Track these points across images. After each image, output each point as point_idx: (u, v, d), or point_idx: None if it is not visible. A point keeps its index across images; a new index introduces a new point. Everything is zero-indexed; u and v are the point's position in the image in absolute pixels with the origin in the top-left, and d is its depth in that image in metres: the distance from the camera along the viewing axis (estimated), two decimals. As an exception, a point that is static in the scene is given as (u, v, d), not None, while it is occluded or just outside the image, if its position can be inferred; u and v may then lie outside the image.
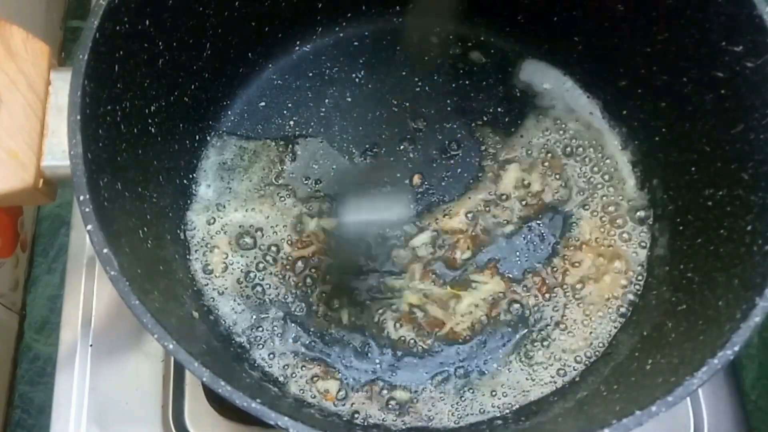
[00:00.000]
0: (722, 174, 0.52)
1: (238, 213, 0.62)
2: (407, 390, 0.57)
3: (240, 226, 0.61)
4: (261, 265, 0.60)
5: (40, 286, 0.85)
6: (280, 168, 0.63)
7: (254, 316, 0.59)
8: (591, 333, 0.59)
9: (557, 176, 0.63)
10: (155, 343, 0.53)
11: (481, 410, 0.57)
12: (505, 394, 0.57)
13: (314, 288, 0.60)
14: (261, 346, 0.58)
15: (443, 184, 0.63)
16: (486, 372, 0.58)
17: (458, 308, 0.59)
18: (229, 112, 0.66)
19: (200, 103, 0.62)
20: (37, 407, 0.80)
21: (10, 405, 0.80)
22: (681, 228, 0.57)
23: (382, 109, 0.66)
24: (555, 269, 0.60)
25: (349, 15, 0.67)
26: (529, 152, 0.64)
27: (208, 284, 0.59)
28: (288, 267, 0.60)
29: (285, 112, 0.66)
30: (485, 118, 0.65)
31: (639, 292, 0.59)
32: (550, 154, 0.63)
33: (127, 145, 0.50)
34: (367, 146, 0.65)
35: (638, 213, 0.61)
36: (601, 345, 0.58)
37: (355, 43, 0.68)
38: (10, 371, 0.81)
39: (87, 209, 0.42)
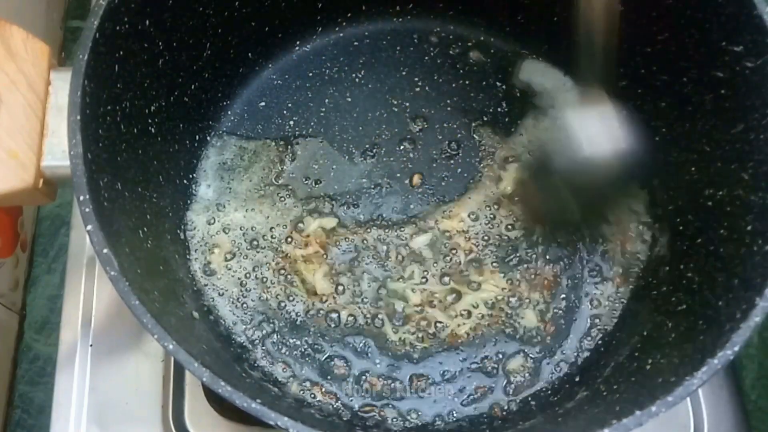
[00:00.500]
0: (722, 174, 0.52)
1: (238, 213, 0.62)
2: (407, 390, 0.57)
3: (240, 226, 0.61)
4: (261, 265, 0.60)
5: (40, 286, 0.84)
6: (280, 168, 0.64)
7: (254, 316, 0.59)
8: (591, 333, 0.59)
9: (557, 176, 0.63)
10: (155, 343, 0.52)
11: (482, 410, 0.57)
12: (505, 394, 0.57)
13: (314, 288, 0.60)
14: (261, 346, 0.58)
15: (443, 184, 0.63)
16: (486, 372, 0.58)
17: (458, 308, 0.59)
18: (229, 112, 0.66)
19: (200, 103, 0.62)
20: (37, 407, 0.80)
21: (10, 405, 0.80)
22: (681, 228, 0.57)
23: (382, 109, 0.66)
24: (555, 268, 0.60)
25: (349, 15, 0.68)
26: (530, 152, 0.64)
27: (208, 284, 0.59)
28: (288, 267, 0.60)
29: (285, 112, 0.66)
30: (485, 118, 0.65)
31: (639, 292, 0.59)
32: (550, 154, 0.63)
33: (127, 145, 0.50)
34: (367, 146, 0.65)
35: (638, 213, 0.61)
36: (601, 345, 0.58)
37: (355, 43, 0.68)
38: (10, 371, 0.81)
39: (87, 209, 0.42)
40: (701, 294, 0.51)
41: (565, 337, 0.59)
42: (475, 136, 0.65)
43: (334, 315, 0.59)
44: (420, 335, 0.59)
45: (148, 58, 0.52)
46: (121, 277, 0.41)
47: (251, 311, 0.59)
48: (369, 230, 0.61)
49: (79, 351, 0.63)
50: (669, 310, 0.54)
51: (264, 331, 0.58)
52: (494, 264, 0.60)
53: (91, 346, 0.64)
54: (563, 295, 0.60)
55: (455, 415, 0.56)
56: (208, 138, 0.64)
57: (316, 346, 0.58)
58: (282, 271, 0.60)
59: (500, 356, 0.58)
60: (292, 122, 0.65)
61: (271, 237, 0.61)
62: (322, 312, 0.59)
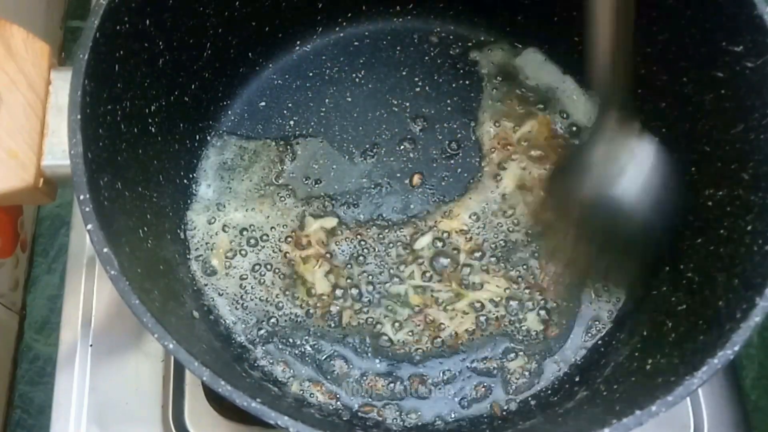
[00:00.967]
0: (722, 174, 0.52)
1: (238, 213, 0.62)
2: (407, 390, 0.57)
3: (240, 226, 0.61)
4: (261, 265, 0.60)
5: (40, 286, 0.84)
6: (280, 168, 0.64)
7: (254, 316, 0.59)
8: (591, 333, 0.59)
9: (557, 176, 0.63)
10: (155, 343, 0.53)
11: (482, 410, 0.57)
12: (505, 394, 0.57)
13: (314, 288, 0.60)
14: (261, 346, 0.58)
15: (443, 184, 0.63)
16: (486, 372, 0.58)
17: (459, 308, 0.59)
18: (229, 112, 0.66)
19: (200, 103, 0.62)
20: (37, 407, 0.80)
21: (10, 405, 0.80)
22: (681, 228, 0.57)
23: (382, 109, 0.66)
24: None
25: (349, 15, 0.68)
26: (530, 152, 0.64)
27: (208, 284, 0.59)
28: (288, 267, 0.60)
29: (285, 112, 0.66)
30: (485, 118, 0.65)
31: (639, 292, 0.59)
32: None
33: (127, 144, 0.50)
34: (367, 146, 0.65)
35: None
36: (601, 345, 0.58)
37: (355, 43, 0.68)
38: (10, 371, 0.81)
39: (87, 209, 0.42)
40: (701, 294, 0.51)
41: (566, 337, 0.59)
42: (475, 136, 0.65)
43: (334, 315, 0.59)
44: (420, 335, 0.59)
45: (148, 58, 0.52)
46: (121, 276, 0.41)
47: (251, 311, 0.59)
48: (369, 230, 0.62)
49: (79, 351, 0.63)
50: (669, 310, 0.54)
51: (264, 331, 0.58)
52: (495, 264, 0.60)
53: (91, 346, 0.64)
54: (564, 295, 0.60)
55: (455, 415, 0.56)
56: (209, 138, 0.64)
57: (316, 346, 0.58)
58: (282, 271, 0.60)
59: (500, 356, 0.58)
60: (292, 122, 0.65)
61: (272, 237, 0.61)
62: (322, 312, 0.59)
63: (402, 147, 0.65)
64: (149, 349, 0.63)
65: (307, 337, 0.58)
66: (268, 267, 0.60)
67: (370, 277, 0.60)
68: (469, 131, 0.65)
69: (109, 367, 0.63)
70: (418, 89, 0.67)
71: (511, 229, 0.61)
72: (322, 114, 0.66)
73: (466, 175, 0.64)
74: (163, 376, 0.62)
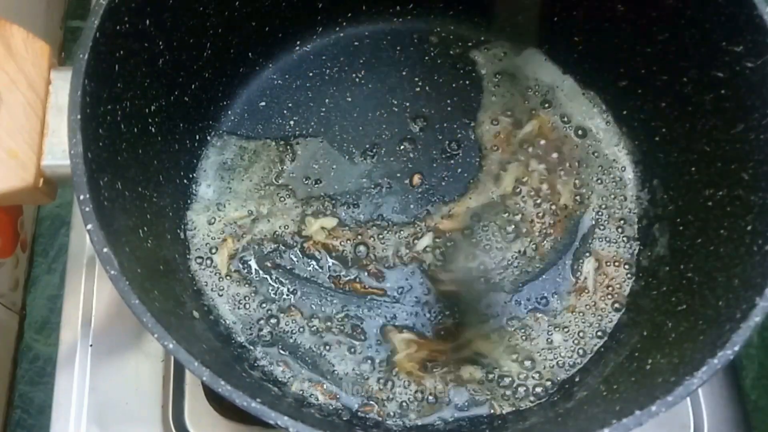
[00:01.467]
0: (722, 174, 0.52)
1: (238, 213, 0.62)
2: (407, 390, 0.57)
3: (240, 226, 0.61)
4: (261, 265, 0.60)
5: (40, 286, 0.85)
6: (280, 168, 0.64)
7: (254, 316, 0.59)
8: (590, 333, 0.59)
9: (557, 176, 0.63)
10: (155, 343, 0.53)
11: (482, 410, 0.56)
12: (505, 395, 0.57)
13: (314, 288, 0.60)
14: (261, 346, 0.58)
15: (443, 184, 0.63)
16: (486, 372, 0.58)
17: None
18: (229, 112, 0.66)
19: (200, 102, 0.62)
20: (37, 407, 0.80)
21: (10, 405, 0.80)
22: (681, 228, 0.57)
23: (382, 109, 0.66)
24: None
25: (349, 15, 0.68)
26: (530, 152, 0.64)
27: (208, 284, 0.59)
28: (288, 267, 0.60)
29: (285, 112, 0.66)
30: (485, 118, 0.65)
31: (639, 293, 0.59)
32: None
33: (127, 144, 0.50)
34: (367, 146, 0.65)
35: (638, 213, 0.61)
36: (600, 345, 0.58)
37: (355, 43, 0.68)
38: (10, 371, 0.81)
39: (87, 209, 0.42)
40: (701, 294, 0.51)
41: (566, 338, 0.59)
42: (475, 136, 0.65)
43: (334, 316, 0.59)
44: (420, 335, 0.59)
45: (148, 58, 0.52)
46: (121, 276, 0.41)
47: (251, 311, 0.59)
48: (369, 230, 0.62)
49: (79, 351, 0.63)
50: (669, 310, 0.54)
51: (264, 331, 0.58)
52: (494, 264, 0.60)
53: (91, 346, 0.64)
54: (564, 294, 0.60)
55: (455, 415, 0.56)
56: (209, 138, 0.64)
57: (315, 346, 0.58)
58: (282, 271, 0.60)
59: (500, 355, 0.58)
60: (292, 122, 0.65)
61: (271, 237, 0.61)
62: (321, 312, 0.59)
63: (402, 147, 0.65)
64: (149, 349, 0.63)
65: (307, 337, 0.58)
66: (268, 267, 0.60)
67: (371, 278, 0.60)
68: (469, 131, 0.65)
69: (109, 367, 0.63)
70: (418, 89, 0.67)
71: (510, 228, 0.61)
72: (322, 114, 0.66)
73: (466, 175, 0.64)
74: (163, 376, 0.62)
